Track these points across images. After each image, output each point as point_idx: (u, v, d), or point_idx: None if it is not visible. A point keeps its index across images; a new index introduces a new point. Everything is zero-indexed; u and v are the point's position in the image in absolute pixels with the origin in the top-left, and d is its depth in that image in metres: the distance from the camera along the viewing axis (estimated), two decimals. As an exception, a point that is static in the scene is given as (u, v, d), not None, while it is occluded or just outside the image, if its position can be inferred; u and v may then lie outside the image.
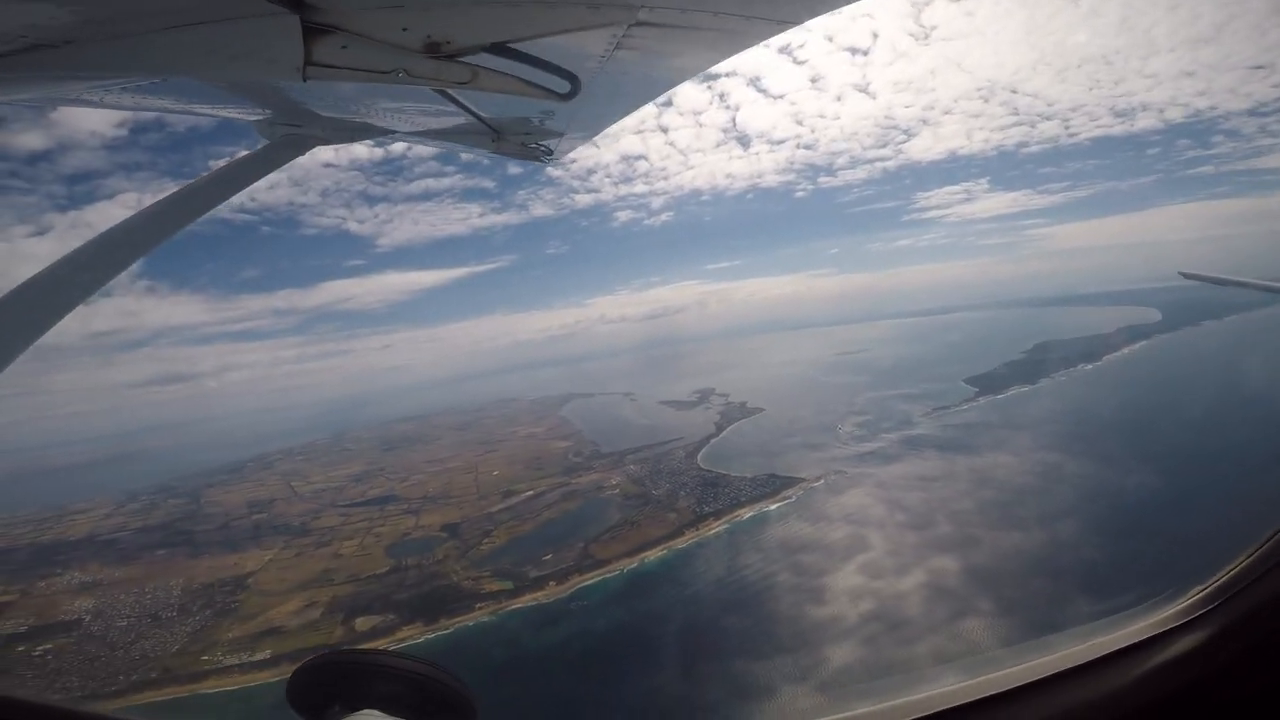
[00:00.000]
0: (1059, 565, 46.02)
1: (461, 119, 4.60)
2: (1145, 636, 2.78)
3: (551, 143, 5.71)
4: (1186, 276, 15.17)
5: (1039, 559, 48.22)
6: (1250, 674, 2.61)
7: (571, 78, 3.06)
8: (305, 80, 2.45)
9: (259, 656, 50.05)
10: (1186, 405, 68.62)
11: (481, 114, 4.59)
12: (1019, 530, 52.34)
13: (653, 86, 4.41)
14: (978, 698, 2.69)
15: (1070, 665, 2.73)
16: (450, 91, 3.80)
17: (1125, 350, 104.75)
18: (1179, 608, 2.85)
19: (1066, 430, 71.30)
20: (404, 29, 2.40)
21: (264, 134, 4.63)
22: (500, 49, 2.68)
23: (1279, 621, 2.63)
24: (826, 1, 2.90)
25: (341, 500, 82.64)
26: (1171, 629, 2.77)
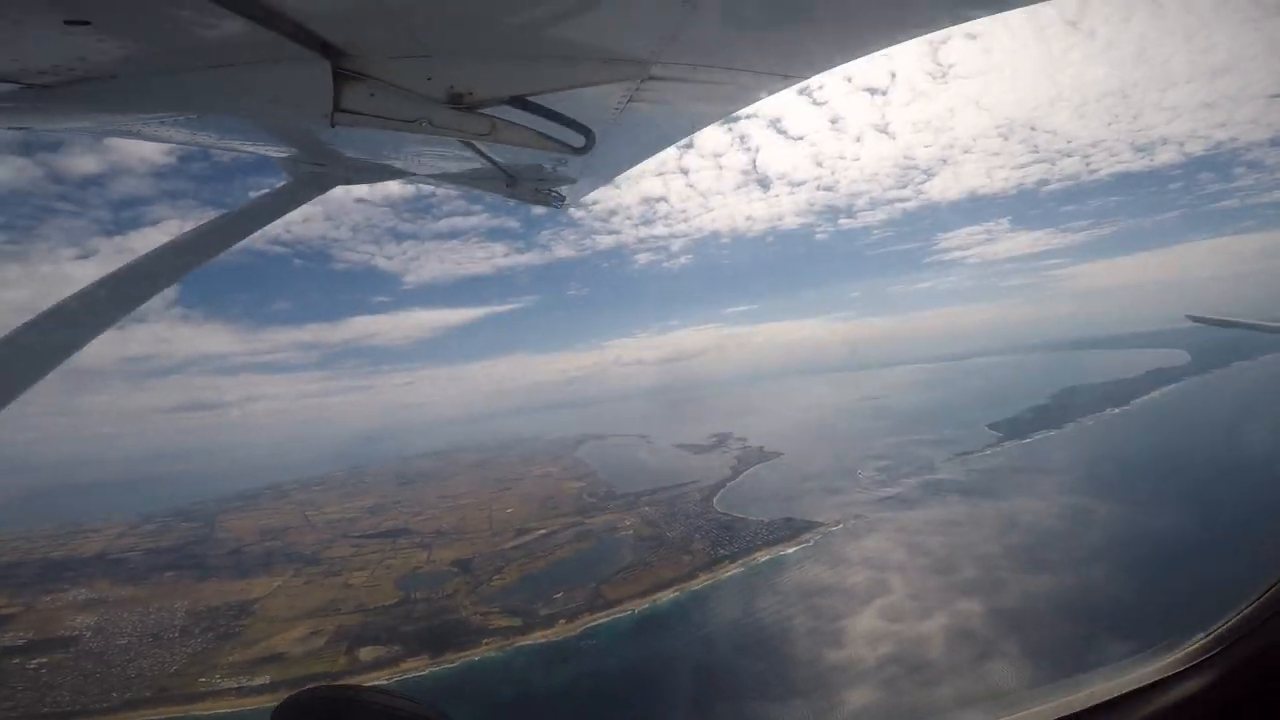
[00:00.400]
0: (1087, 610, 44.38)
1: (478, 164, 4.74)
2: (1146, 683, 2.79)
3: (564, 189, 5.86)
4: (1194, 320, 14.78)
5: (1067, 604, 46.52)
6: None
7: (587, 132, 3.18)
8: (334, 125, 2.52)
9: (257, 681, 49.63)
10: (1217, 450, 66.41)
11: (497, 160, 4.73)
12: (1046, 573, 50.82)
13: (664, 137, 4.54)
14: None
15: (1071, 712, 2.74)
16: (471, 140, 3.91)
17: (1154, 394, 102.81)
18: (1180, 655, 2.86)
19: (1094, 475, 69.47)
20: (429, 79, 2.50)
21: (288, 171, 4.77)
22: (519, 102, 2.79)
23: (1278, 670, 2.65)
24: (835, 57, 2.98)
25: (355, 531, 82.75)
26: (1172, 675, 2.78)
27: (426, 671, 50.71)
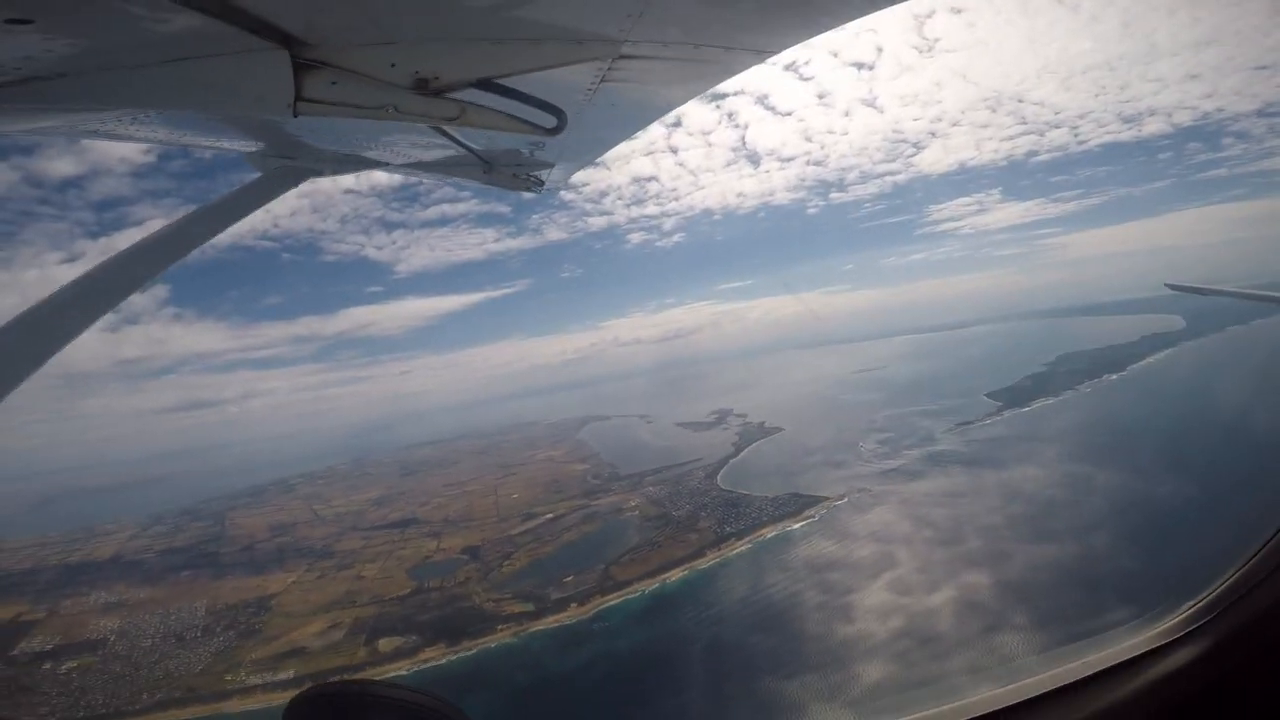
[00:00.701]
0: (1092, 577, 44.97)
1: (453, 151, 4.68)
2: (1142, 651, 2.82)
3: (542, 173, 5.80)
4: (1172, 288, 14.88)
5: (1072, 571, 47.10)
6: (1248, 688, 2.66)
7: (558, 112, 3.13)
8: (296, 116, 2.49)
9: (282, 676, 50.21)
10: (1215, 413, 67.03)
11: (472, 146, 4.67)
12: (1051, 543, 51.28)
13: (639, 117, 4.47)
14: (976, 715, 2.75)
15: (1069, 681, 2.77)
16: (441, 126, 3.86)
17: (1150, 359, 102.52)
18: (1175, 621, 2.89)
19: (1095, 442, 69.84)
20: (392, 65, 2.46)
21: (256, 166, 4.69)
22: (488, 85, 2.75)
23: (1274, 634, 2.69)
24: (802, 31, 2.98)
25: (363, 523, 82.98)
26: (1168, 643, 2.81)
27: (444, 660, 51.22)
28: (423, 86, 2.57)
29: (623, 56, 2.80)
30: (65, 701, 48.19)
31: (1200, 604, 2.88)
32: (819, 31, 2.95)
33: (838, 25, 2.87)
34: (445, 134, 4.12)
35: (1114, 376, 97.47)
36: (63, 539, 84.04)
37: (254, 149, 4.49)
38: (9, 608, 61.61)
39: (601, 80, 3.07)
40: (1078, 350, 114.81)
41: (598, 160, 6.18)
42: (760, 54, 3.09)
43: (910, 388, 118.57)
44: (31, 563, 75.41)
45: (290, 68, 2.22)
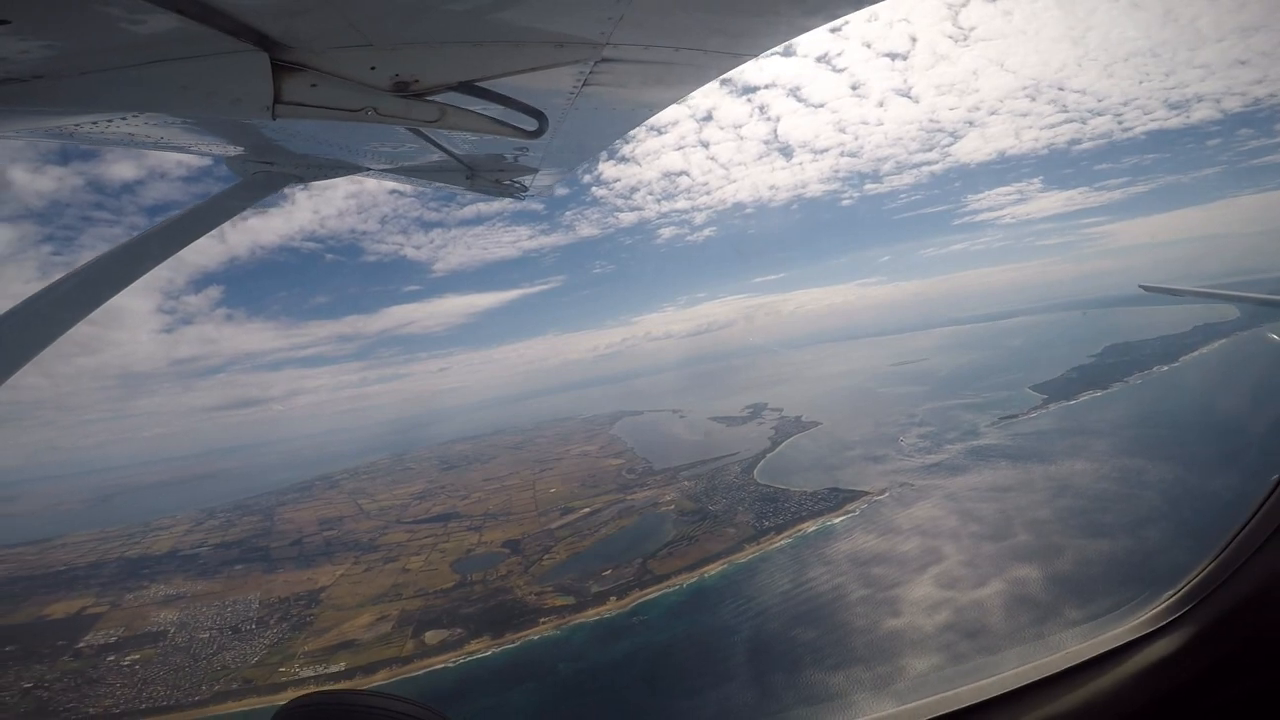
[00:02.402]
0: (1147, 573, 43.56)
1: (435, 156, 4.70)
2: (1123, 642, 2.82)
3: (526, 179, 5.80)
4: (1146, 289, 14.46)
5: (1127, 566, 45.63)
6: (1227, 677, 2.63)
7: (539, 115, 3.13)
8: (275, 118, 2.48)
9: (334, 669, 51.17)
10: (1272, 405, 64.23)
11: (455, 151, 4.66)
12: (1103, 538, 49.87)
13: (623, 122, 4.40)
14: (959, 707, 2.74)
15: (1051, 672, 2.77)
16: (422, 130, 3.84)
17: (1203, 350, 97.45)
18: (1155, 611, 2.89)
19: (1146, 435, 67.30)
20: (372, 68, 2.44)
21: (237, 171, 4.72)
22: (469, 88, 2.73)
23: (1247, 628, 2.67)
24: (780, 33, 2.97)
25: (406, 517, 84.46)
26: (1148, 634, 2.81)
27: (489, 652, 51.68)
28: (403, 89, 2.57)
29: (604, 60, 2.80)
30: (129, 694, 49.52)
31: (1179, 594, 2.89)
32: (796, 34, 2.94)
33: (815, 27, 2.86)
34: (427, 139, 4.13)
35: (1165, 368, 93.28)
36: (122, 533, 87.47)
37: (234, 154, 4.53)
38: (75, 601, 64.04)
39: (584, 84, 3.07)
40: (1126, 341, 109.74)
41: (602, 157, 6.12)
42: (738, 56, 3.11)
43: (951, 380, 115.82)
44: (94, 557, 78.08)
45: (269, 70, 2.23)
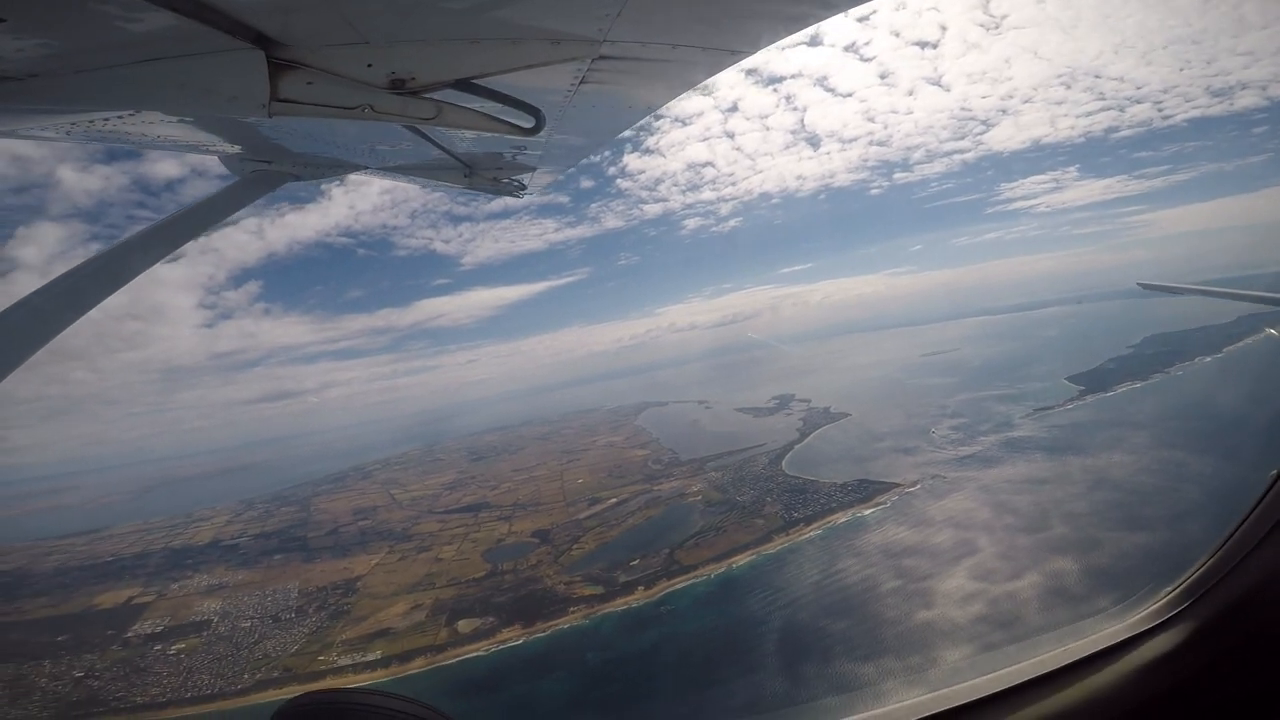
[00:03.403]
0: (1189, 567, 42.34)
1: (434, 154, 4.65)
2: (1121, 639, 2.80)
3: (524, 177, 5.78)
4: (1144, 287, 14.04)
5: (1167, 562, 44.41)
6: (1225, 675, 2.63)
7: (536, 113, 3.12)
8: (271, 116, 2.47)
9: (370, 657, 51.95)
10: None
11: (453, 150, 4.64)
12: (1143, 531, 48.66)
13: (621, 119, 4.37)
14: (954, 705, 2.71)
15: (1047, 670, 2.75)
16: (419, 128, 3.83)
17: (1248, 340, 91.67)
18: (1153, 608, 2.87)
19: (1188, 427, 65.20)
20: (369, 65, 2.44)
21: (234, 170, 4.70)
22: (465, 85, 2.72)
23: (1247, 624, 2.65)
24: (779, 29, 2.94)
25: (438, 507, 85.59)
26: (1145, 630, 2.80)
27: (520, 641, 52.21)
28: (399, 86, 2.57)
29: (601, 57, 2.79)
30: (176, 682, 50.56)
31: (1178, 590, 2.87)
32: (794, 30, 2.91)
33: (813, 23, 2.85)
34: (425, 137, 4.13)
35: (1208, 359, 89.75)
36: (165, 524, 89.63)
37: (232, 152, 4.51)
38: (123, 591, 65.78)
39: (581, 81, 3.06)
40: (1167, 331, 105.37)
41: (593, 154, 6.02)
42: (736, 53, 3.09)
43: (984, 371, 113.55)
44: (140, 547, 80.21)
45: (265, 68, 2.22)
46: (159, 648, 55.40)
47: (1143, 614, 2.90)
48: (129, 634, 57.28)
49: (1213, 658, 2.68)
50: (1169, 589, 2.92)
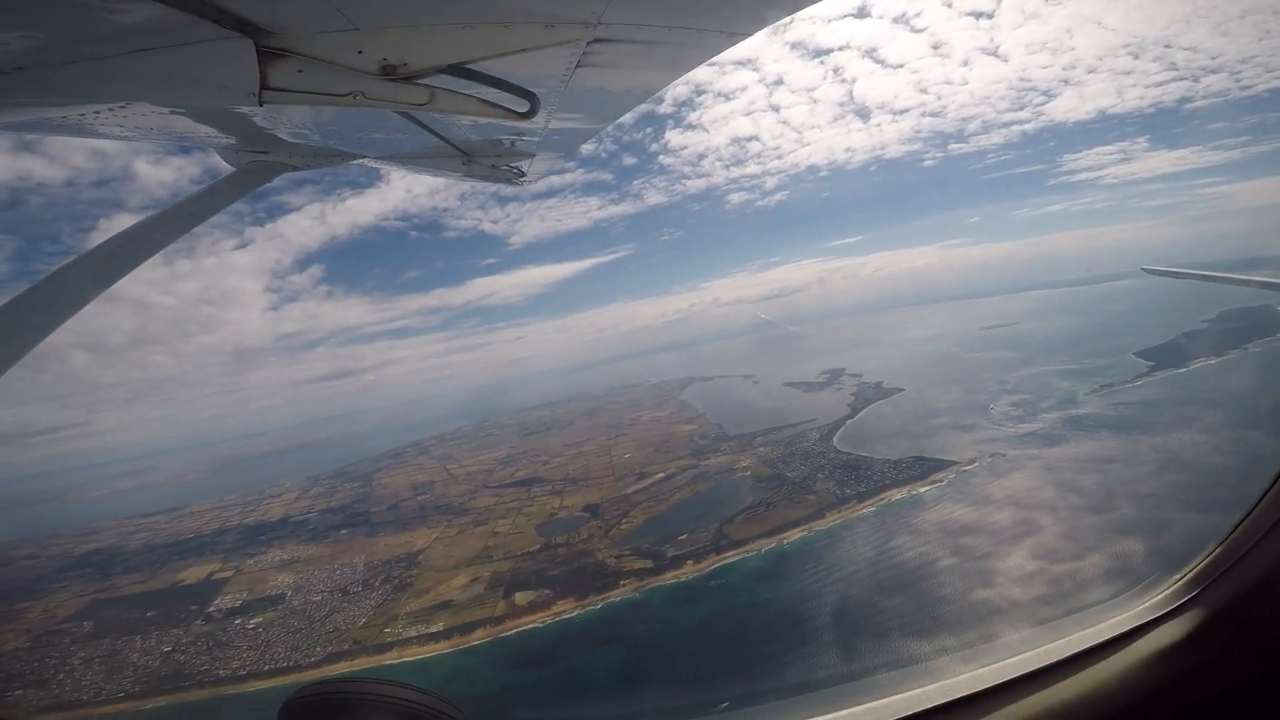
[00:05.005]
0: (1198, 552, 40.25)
1: (431, 142, 4.58)
2: (1125, 629, 2.79)
3: (523, 164, 5.72)
4: (1149, 272, 13.21)
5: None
6: (1230, 666, 2.62)
7: (530, 96, 3.04)
8: (261, 104, 2.44)
9: (434, 629, 53.46)
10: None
11: (450, 138, 4.58)
12: (1216, 513, 45.95)
13: (618, 103, 4.32)
14: (958, 696, 2.68)
15: (1051, 661, 2.74)
16: (415, 115, 3.77)
17: None
18: (1158, 598, 2.86)
19: (1266, 406, 61.53)
20: (359, 52, 2.40)
21: (230, 161, 4.68)
22: (458, 70, 2.67)
23: (1255, 613, 2.64)
24: (773, 12, 2.89)
25: (492, 482, 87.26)
26: (1150, 621, 2.79)
27: (575, 614, 53.16)
28: (391, 72, 2.54)
29: (596, 40, 2.75)
30: (253, 655, 52.51)
31: (1185, 579, 2.86)
32: (792, 11, 2.84)
33: (812, 3, 2.72)
34: (421, 125, 4.07)
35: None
36: (239, 501, 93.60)
37: (227, 144, 4.50)
38: (204, 567, 69.14)
39: (577, 65, 3.02)
40: (1245, 306, 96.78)
41: (586, 145, 5.91)
42: (735, 35, 3.02)
43: (1046, 346, 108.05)
44: (218, 524, 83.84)
45: (254, 56, 2.20)
46: (238, 621, 57.78)
47: (1150, 603, 2.90)
48: (211, 609, 60.11)
49: (1221, 646, 2.67)
50: (1176, 577, 2.92)
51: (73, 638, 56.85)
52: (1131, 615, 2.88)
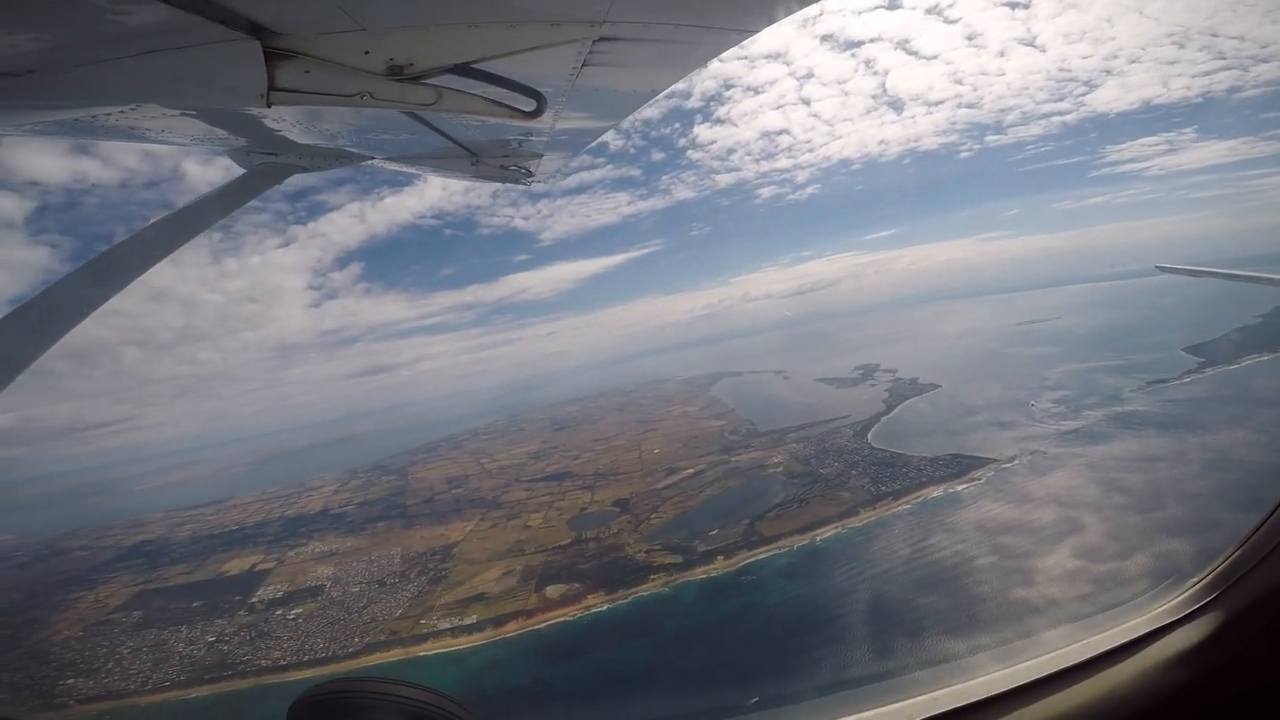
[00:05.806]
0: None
1: (440, 143, 4.58)
2: (1143, 632, 2.75)
3: (531, 164, 5.69)
4: (1163, 270, 12.61)
5: None
6: (1251, 668, 2.57)
7: (536, 95, 3.06)
8: (269, 106, 2.44)
9: (468, 621, 54.02)
10: None
11: (458, 138, 4.58)
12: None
13: (625, 102, 4.30)
14: (973, 700, 2.66)
15: (1068, 664, 2.71)
16: (423, 116, 3.77)
17: None
18: (1177, 600, 2.83)
19: (1324, 405, 59.33)
20: (366, 52, 2.42)
21: (240, 163, 4.68)
22: (464, 70, 2.68)
23: (1271, 619, 2.60)
24: (779, 8, 2.85)
25: (524, 476, 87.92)
26: (1169, 623, 2.75)
27: (605, 608, 53.34)
28: (397, 73, 2.55)
29: (602, 39, 2.74)
30: (294, 646, 53.57)
31: (1201, 583, 2.82)
32: (798, 8, 2.78)
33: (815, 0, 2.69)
34: (429, 125, 4.08)
35: (1351, 331, 79.85)
36: (280, 494, 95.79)
37: (237, 146, 4.52)
38: (247, 558, 70.87)
39: (583, 64, 3.01)
40: None
41: (590, 145, 5.92)
42: (741, 33, 3.03)
43: (1089, 341, 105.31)
44: (260, 516, 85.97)
45: (262, 58, 2.21)
46: (280, 612, 59.04)
47: (1165, 607, 2.88)
48: (254, 599, 61.56)
49: (1237, 652, 2.64)
50: (1192, 582, 2.89)
51: (122, 627, 58.68)
52: (1148, 618, 2.87)
